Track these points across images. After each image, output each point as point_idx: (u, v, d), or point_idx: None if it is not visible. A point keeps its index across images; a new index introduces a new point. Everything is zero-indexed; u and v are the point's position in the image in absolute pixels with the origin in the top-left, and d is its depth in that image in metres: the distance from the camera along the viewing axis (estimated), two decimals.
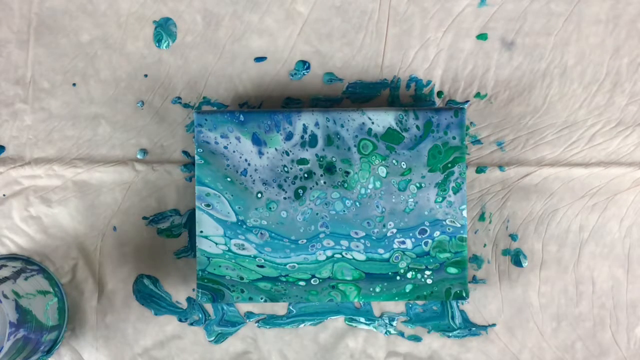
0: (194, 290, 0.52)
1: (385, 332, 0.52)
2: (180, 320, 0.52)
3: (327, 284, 0.47)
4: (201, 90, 0.52)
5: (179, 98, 0.52)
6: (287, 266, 0.47)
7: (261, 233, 0.47)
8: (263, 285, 0.47)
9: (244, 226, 0.47)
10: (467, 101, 0.52)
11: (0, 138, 0.52)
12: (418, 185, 0.47)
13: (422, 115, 0.47)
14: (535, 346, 0.52)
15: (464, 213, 0.47)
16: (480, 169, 0.52)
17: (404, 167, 0.47)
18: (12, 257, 0.51)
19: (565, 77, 0.52)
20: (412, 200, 0.47)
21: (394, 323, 0.52)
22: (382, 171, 0.47)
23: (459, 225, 0.47)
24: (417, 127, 0.47)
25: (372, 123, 0.47)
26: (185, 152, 0.52)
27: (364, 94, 0.52)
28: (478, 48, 0.52)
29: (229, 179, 0.47)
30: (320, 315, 0.52)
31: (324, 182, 0.47)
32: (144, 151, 0.52)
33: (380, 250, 0.47)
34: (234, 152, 0.47)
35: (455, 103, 0.52)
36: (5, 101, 0.52)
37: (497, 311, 0.52)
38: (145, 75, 0.52)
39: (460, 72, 0.52)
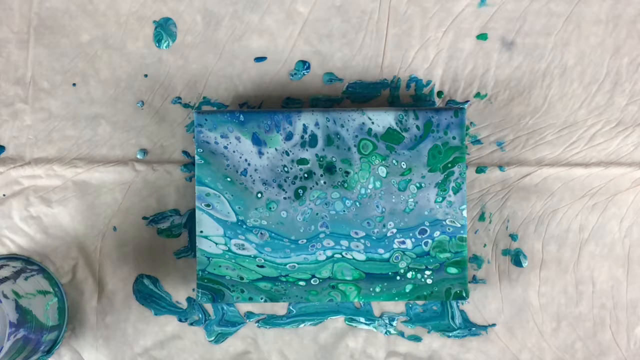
0: (194, 290, 0.52)
1: (385, 332, 0.52)
2: (180, 320, 0.52)
3: (327, 284, 0.47)
4: (201, 90, 0.52)
5: (179, 98, 0.52)
6: (287, 266, 0.47)
7: (261, 233, 0.47)
8: (263, 285, 0.47)
9: (244, 226, 0.47)
10: (467, 101, 0.52)
11: (0, 138, 0.52)
12: (418, 185, 0.47)
13: (422, 115, 0.47)
14: (535, 346, 0.52)
15: (464, 213, 0.47)
16: (480, 169, 0.52)
17: (404, 167, 0.47)
18: (12, 257, 0.51)
19: (565, 77, 0.52)
20: (412, 200, 0.47)
21: (394, 323, 0.52)
22: (382, 171, 0.47)
23: (459, 225, 0.47)
24: (417, 127, 0.47)
25: (372, 123, 0.47)
26: (185, 152, 0.52)
27: (364, 94, 0.52)
28: (478, 48, 0.52)
29: (229, 179, 0.47)
30: (320, 315, 0.52)
31: (324, 182, 0.47)
32: (144, 151, 0.52)
33: (380, 250, 0.47)
34: (234, 152, 0.47)
35: (455, 103, 0.52)
36: (5, 101, 0.52)
37: (497, 311, 0.52)
38: (145, 75, 0.52)
39: (460, 72, 0.52)
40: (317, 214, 0.47)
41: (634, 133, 0.52)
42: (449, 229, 0.47)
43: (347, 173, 0.47)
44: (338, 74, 0.52)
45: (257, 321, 0.52)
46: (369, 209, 0.47)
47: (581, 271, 0.52)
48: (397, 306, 0.52)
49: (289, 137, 0.47)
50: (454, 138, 0.47)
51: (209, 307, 0.52)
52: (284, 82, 0.52)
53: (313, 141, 0.47)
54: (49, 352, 0.50)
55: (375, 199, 0.47)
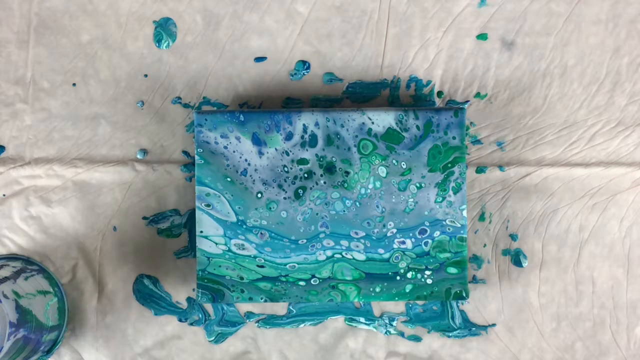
0: (194, 290, 0.52)
1: (385, 332, 0.52)
2: (180, 320, 0.52)
3: (327, 284, 0.47)
4: (201, 90, 0.52)
5: (179, 98, 0.52)
6: (287, 266, 0.47)
7: (261, 233, 0.47)
8: (263, 285, 0.47)
9: (244, 226, 0.47)
10: (467, 101, 0.52)
11: (0, 138, 0.52)
12: (418, 185, 0.47)
13: (422, 115, 0.47)
14: (535, 346, 0.52)
15: (464, 213, 0.47)
16: (480, 169, 0.52)
17: (404, 167, 0.47)
18: (12, 257, 0.51)
19: (565, 77, 0.52)
20: (412, 200, 0.47)
21: (394, 323, 0.52)
22: (382, 171, 0.47)
23: (459, 225, 0.47)
24: (417, 127, 0.47)
25: (372, 123, 0.47)
26: (185, 152, 0.52)
27: (364, 94, 0.52)
28: (478, 48, 0.52)
29: (229, 179, 0.47)
30: (320, 315, 0.52)
31: (324, 182, 0.47)
32: (144, 151, 0.52)
33: (380, 250, 0.47)
34: (234, 152, 0.47)
35: (455, 103, 0.52)
36: (5, 101, 0.52)
37: (497, 311, 0.52)
38: (145, 75, 0.52)
39: (460, 72, 0.52)
40: (317, 214, 0.47)
41: (634, 133, 0.52)
42: (449, 229, 0.47)
43: (347, 173, 0.47)
44: (338, 74, 0.52)
45: (257, 321, 0.52)
46: (369, 209, 0.47)
47: (581, 271, 0.52)
48: (397, 306, 0.52)
49: (289, 137, 0.47)
50: (454, 138, 0.47)
51: (209, 307, 0.52)
52: (284, 82, 0.52)
53: (313, 141, 0.47)
54: (49, 352, 0.50)
55: (375, 199, 0.47)
